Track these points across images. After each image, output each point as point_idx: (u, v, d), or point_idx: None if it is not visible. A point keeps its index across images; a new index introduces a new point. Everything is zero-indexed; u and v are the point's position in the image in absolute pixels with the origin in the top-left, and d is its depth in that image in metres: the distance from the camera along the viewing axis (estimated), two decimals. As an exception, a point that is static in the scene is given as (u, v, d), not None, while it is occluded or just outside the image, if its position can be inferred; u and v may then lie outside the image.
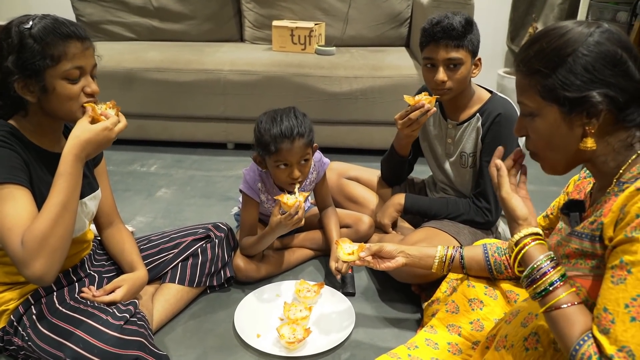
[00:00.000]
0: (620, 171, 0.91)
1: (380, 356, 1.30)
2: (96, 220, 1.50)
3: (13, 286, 1.30)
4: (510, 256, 1.00)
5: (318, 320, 1.54)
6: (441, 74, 1.57)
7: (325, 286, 1.64)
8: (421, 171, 1.99)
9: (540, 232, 0.99)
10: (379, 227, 1.85)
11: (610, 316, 0.82)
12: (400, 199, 1.76)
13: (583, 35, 0.87)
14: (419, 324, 1.55)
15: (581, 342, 0.85)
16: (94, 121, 1.19)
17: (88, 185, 1.39)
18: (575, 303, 0.90)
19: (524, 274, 0.95)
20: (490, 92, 1.69)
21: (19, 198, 1.14)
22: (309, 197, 2.05)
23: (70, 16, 3.21)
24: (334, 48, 2.94)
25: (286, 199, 1.52)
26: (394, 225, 1.84)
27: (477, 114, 1.65)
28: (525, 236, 0.97)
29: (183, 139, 2.91)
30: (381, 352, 1.35)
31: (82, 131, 1.17)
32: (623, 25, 2.45)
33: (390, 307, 1.63)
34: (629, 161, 0.90)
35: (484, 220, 1.65)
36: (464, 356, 1.27)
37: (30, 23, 1.15)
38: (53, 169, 1.26)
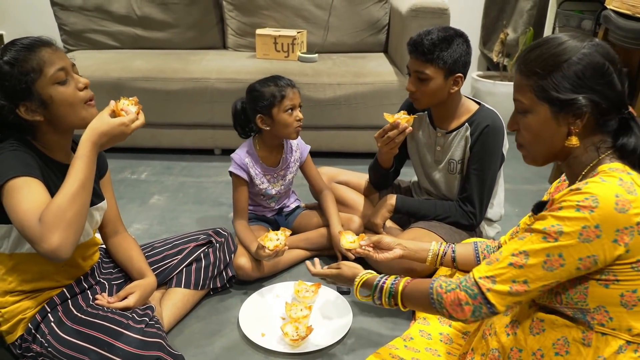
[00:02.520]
0: (583, 173, 1.04)
1: (379, 349, 1.41)
2: (101, 230, 1.56)
3: (29, 295, 1.36)
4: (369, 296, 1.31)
5: (318, 318, 1.64)
6: (408, 83, 1.71)
7: (322, 286, 1.75)
8: (405, 173, 2.10)
9: (362, 274, 1.35)
10: (369, 228, 1.96)
11: (500, 256, 1.03)
12: (391, 199, 1.87)
13: (577, 46, 1.00)
14: (411, 317, 1.66)
15: (431, 284, 1.12)
16: (114, 115, 1.26)
17: (94, 196, 1.45)
18: (410, 280, 1.21)
19: (370, 293, 1.28)
20: (479, 103, 1.80)
21: (34, 186, 1.18)
22: (299, 201, 2.17)
23: (53, 25, 3.25)
24: (316, 55, 3.04)
25: (268, 241, 1.68)
26: (383, 226, 1.96)
27: (466, 124, 1.76)
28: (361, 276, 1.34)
29: (171, 145, 2.98)
30: (378, 345, 1.46)
31: (100, 123, 1.23)
32: (588, 33, 2.63)
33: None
34: (591, 164, 1.04)
35: (468, 223, 1.77)
36: (454, 345, 1.40)
37: None
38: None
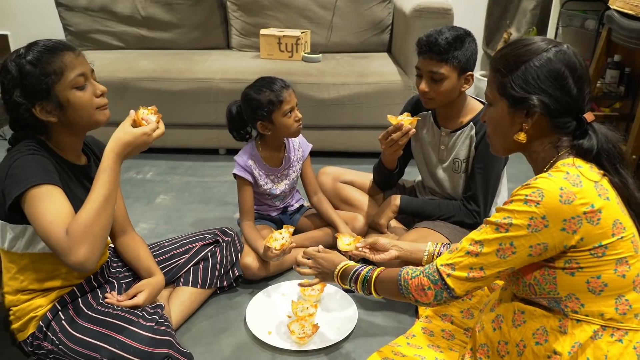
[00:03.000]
0: (545, 169, 1.11)
1: (383, 347, 1.43)
2: (110, 229, 1.59)
3: (41, 293, 1.38)
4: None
5: (324, 316, 1.66)
6: (422, 85, 1.71)
7: (327, 285, 1.77)
8: (409, 172, 2.12)
9: (346, 262, 1.39)
10: (374, 228, 1.98)
11: (459, 245, 1.12)
12: (396, 200, 1.88)
13: (540, 50, 1.08)
14: (414, 315, 1.68)
15: (400, 272, 1.20)
16: (135, 124, 1.28)
17: None
18: (383, 269, 1.27)
19: (351, 280, 1.33)
20: (483, 103, 1.82)
21: (56, 196, 1.22)
22: (303, 200, 2.19)
23: (58, 26, 3.27)
24: (320, 55, 3.06)
25: (273, 242, 1.72)
26: (388, 226, 1.97)
27: (471, 123, 1.77)
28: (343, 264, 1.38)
29: (176, 145, 2.99)
30: (383, 342, 1.48)
31: (123, 133, 1.26)
32: (591, 33, 2.64)
33: (387, 302, 1.75)
34: (550, 162, 1.11)
35: (472, 222, 1.78)
36: (456, 341, 1.42)
37: (22, 52, 1.23)
38: (78, 180, 1.35)
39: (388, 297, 1.29)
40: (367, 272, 1.30)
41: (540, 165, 1.14)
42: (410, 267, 1.21)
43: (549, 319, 1.10)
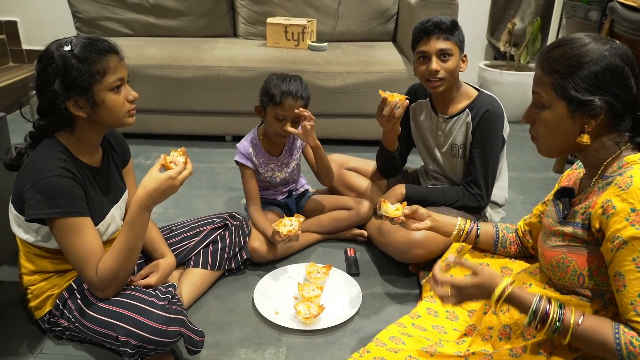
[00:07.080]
0: (605, 163, 1.10)
1: (388, 326, 1.48)
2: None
3: (56, 273, 1.44)
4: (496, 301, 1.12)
5: (329, 297, 1.71)
6: (434, 64, 1.75)
7: (332, 268, 1.82)
8: (411, 160, 2.17)
9: (511, 279, 1.13)
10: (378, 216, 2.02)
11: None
12: (401, 189, 1.92)
13: (599, 49, 1.05)
14: (418, 298, 1.74)
15: (617, 336, 1.00)
16: (165, 168, 1.34)
17: (119, 190, 1.54)
18: (584, 314, 1.05)
19: (527, 321, 1.07)
20: (478, 89, 1.87)
21: (86, 230, 1.31)
22: (309, 185, 2.23)
23: (67, 12, 3.31)
24: (326, 44, 3.09)
25: (282, 227, 1.76)
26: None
27: (467, 110, 1.82)
28: (503, 287, 1.10)
29: (183, 132, 3.05)
30: (387, 323, 1.52)
31: (149, 181, 1.32)
32: (594, 24, 2.66)
33: (391, 285, 1.81)
34: (612, 157, 1.10)
35: (476, 205, 1.83)
36: (460, 322, 1.46)
37: (69, 46, 1.26)
38: (96, 184, 1.41)
39: (589, 351, 1.08)
40: (559, 316, 1.05)
41: (597, 161, 1.11)
42: (628, 331, 1.00)
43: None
